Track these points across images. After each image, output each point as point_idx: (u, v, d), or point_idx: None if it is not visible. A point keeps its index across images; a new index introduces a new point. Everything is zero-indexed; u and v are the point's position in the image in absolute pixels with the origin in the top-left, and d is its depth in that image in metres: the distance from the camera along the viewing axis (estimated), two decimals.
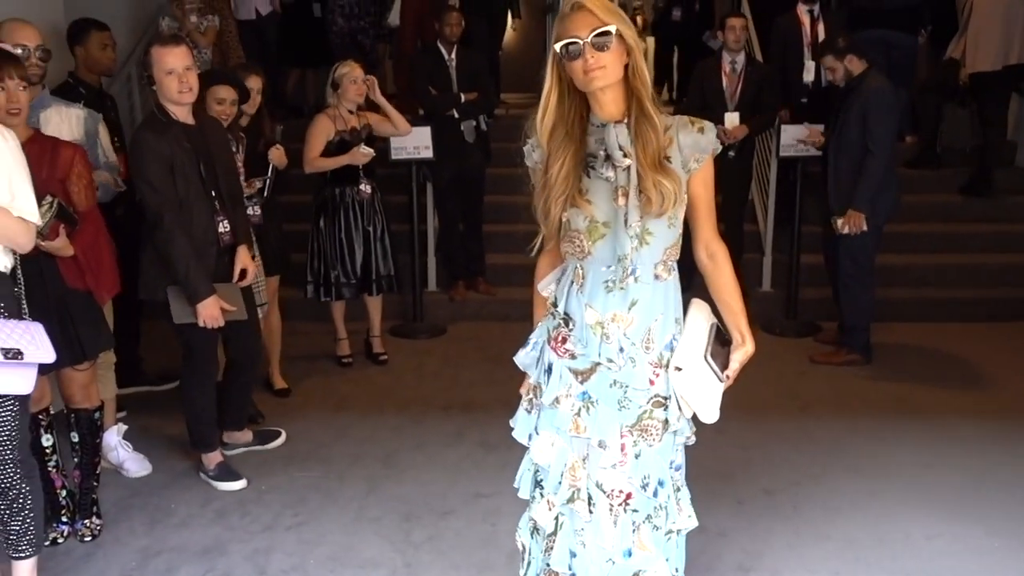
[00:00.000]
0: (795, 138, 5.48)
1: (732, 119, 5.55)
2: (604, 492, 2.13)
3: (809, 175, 5.65)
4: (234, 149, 3.99)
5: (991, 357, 5.17)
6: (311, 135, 4.71)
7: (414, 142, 5.40)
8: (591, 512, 2.14)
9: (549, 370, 2.18)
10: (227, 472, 3.67)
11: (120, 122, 4.48)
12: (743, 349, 2.13)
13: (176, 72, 3.28)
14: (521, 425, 2.27)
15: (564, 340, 2.15)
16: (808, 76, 6.00)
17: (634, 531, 2.16)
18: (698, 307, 2.18)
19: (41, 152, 3.05)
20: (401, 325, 5.66)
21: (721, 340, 2.13)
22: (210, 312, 3.36)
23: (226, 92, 3.88)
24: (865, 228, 4.74)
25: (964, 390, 4.70)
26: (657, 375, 2.11)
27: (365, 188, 4.81)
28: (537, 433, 2.21)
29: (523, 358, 2.28)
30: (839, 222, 4.80)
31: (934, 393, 4.65)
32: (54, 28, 4.41)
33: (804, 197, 5.63)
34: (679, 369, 2.07)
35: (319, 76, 7.16)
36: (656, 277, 2.08)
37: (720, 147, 2.13)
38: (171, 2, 6.07)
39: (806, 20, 6.06)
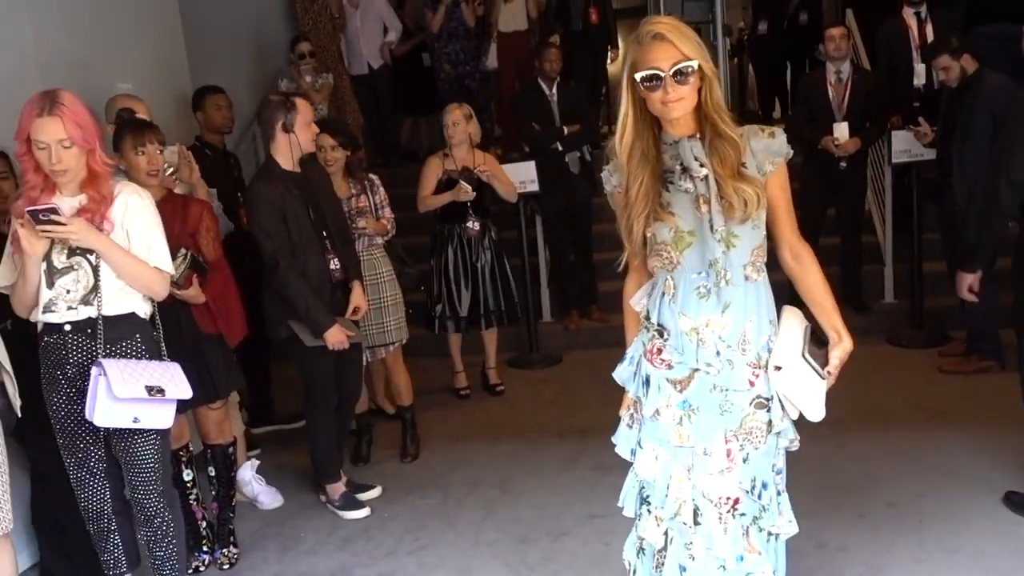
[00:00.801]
0: (907, 144, 5.33)
1: (841, 129, 5.45)
2: (711, 501, 2.14)
3: (926, 181, 5.47)
4: (354, 191, 4.25)
5: None
6: (423, 176, 4.94)
7: (521, 176, 5.54)
8: (697, 524, 2.15)
9: (647, 383, 2.21)
10: (351, 502, 3.85)
11: (243, 179, 4.81)
12: (841, 346, 2.14)
13: (312, 125, 3.63)
14: (623, 440, 2.30)
15: (660, 351, 2.18)
16: (919, 80, 5.81)
17: (744, 535, 2.16)
18: (790, 312, 2.21)
19: (173, 209, 3.35)
20: (518, 356, 5.78)
21: (817, 341, 2.16)
22: (336, 337, 3.58)
23: (325, 139, 4.12)
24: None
25: None
26: (757, 376, 2.14)
27: (472, 225, 4.97)
28: (640, 447, 2.23)
29: (621, 373, 2.31)
30: None
31: None
32: (183, 95, 4.82)
33: (922, 204, 5.45)
34: (779, 368, 2.10)
35: (431, 122, 7.47)
36: (746, 279, 2.11)
37: (791, 152, 2.15)
38: (289, 65, 6.50)
39: (912, 23, 5.90)
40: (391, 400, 4.81)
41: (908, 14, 5.92)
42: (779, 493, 2.24)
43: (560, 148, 5.71)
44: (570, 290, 5.99)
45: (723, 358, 2.12)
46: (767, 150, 2.10)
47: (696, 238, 2.09)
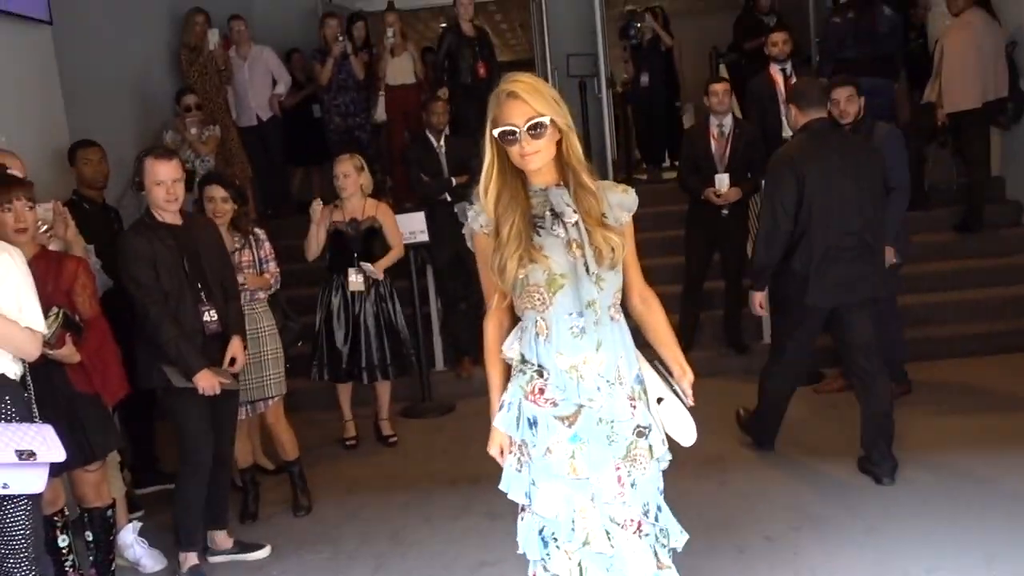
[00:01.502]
0: None
1: (722, 180, 5.71)
2: (619, 524, 2.28)
3: None
4: (238, 245, 4.21)
5: (996, 391, 5.20)
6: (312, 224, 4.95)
7: (410, 227, 5.61)
8: (613, 547, 2.27)
9: (534, 423, 2.28)
10: None
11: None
12: (687, 378, 2.34)
13: (165, 183, 3.52)
14: (515, 485, 2.34)
15: (542, 391, 2.27)
16: (787, 132, 6.15)
17: (653, 555, 2.33)
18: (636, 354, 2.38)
19: (47, 266, 3.27)
20: (411, 406, 5.78)
21: (667, 372, 2.36)
22: (207, 381, 3.52)
23: (216, 191, 4.11)
24: (896, 261, 4.81)
25: (966, 424, 4.72)
26: (634, 407, 2.30)
27: (356, 278, 4.96)
28: (536, 487, 2.28)
29: (502, 421, 2.34)
30: None
31: (934, 428, 4.68)
32: (61, 150, 4.71)
33: None
34: (661, 400, 2.29)
35: (322, 173, 7.49)
36: (611, 319, 2.28)
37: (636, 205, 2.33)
38: (175, 117, 6.43)
39: (779, 78, 6.26)
40: (271, 455, 4.73)
41: (775, 70, 6.28)
42: (662, 510, 2.40)
43: (449, 199, 5.81)
44: (462, 338, 6.04)
45: (604, 392, 2.25)
46: (621, 204, 2.28)
47: (568, 280, 2.21)
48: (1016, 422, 4.65)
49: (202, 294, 3.61)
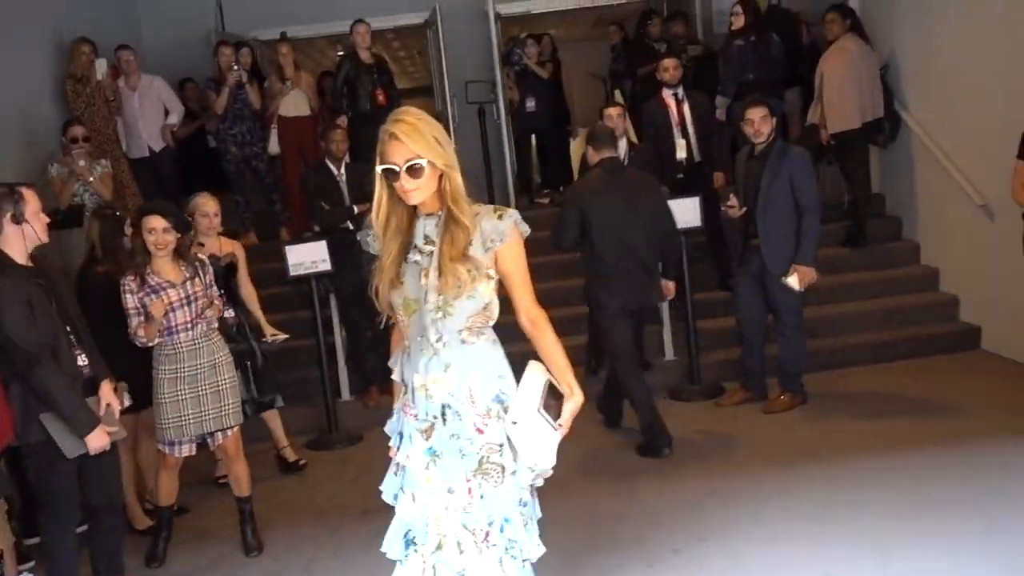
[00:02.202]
0: (680, 214, 5.75)
1: None
2: (469, 531, 2.40)
3: (694, 246, 5.98)
4: (187, 275, 4.00)
5: (886, 397, 5.43)
6: None
7: (312, 256, 5.55)
8: (461, 553, 2.39)
9: (402, 434, 2.50)
10: None
11: None
12: (573, 399, 2.42)
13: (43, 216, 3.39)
14: (388, 487, 2.54)
15: (408, 405, 2.47)
16: (681, 153, 6.37)
17: (500, 563, 2.42)
18: (533, 367, 2.45)
19: None
20: (317, 438, 5.69)
21: (555, 394, 2.41)
22: (100, 441, 3.36)
23: (157, 222, 3.92)
24: (814, 279, 5.11)
25: (861, 429, 4.91)
26: (487, 425, 2.40)
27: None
28: (403, 492, 2.47)
29: (388, 427, 2.58)
30: (790, 281, 5.08)
31: (831, 436, 4.85)
32: None
33: (692, 266, 5.90)
34: (515, 423, 2.34)
35: (220, 204, 7.32)
36: (463, 342, 2.40)
37: (527, 230, 2.44)
38: (61, 149, 6.20)
39: (672, 103, 6.46)
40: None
41: (667, 95, 6.48)
42: (526, 524, 2.47)
43: (351, 226, 5.77)
44: (369, 366, 5.98)
45: (452, 410, 2.39)
46: (494, 230, 2.38)
47: (419, 306, 2.38)
48: (905, 426, 4.87)
49: (71, 337, 3.45)
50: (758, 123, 5.11)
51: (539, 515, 2.56)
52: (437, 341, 2.37)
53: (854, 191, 6.99)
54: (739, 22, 6.90)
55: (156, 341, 3.92)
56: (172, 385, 3.93)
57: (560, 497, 3.78)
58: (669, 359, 6.22)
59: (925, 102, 6.66)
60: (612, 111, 6.02)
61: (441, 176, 2.34)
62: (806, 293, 5.34)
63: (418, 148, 2.28)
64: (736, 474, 4.45)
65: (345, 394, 6.07)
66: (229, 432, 4.10)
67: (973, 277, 6.22)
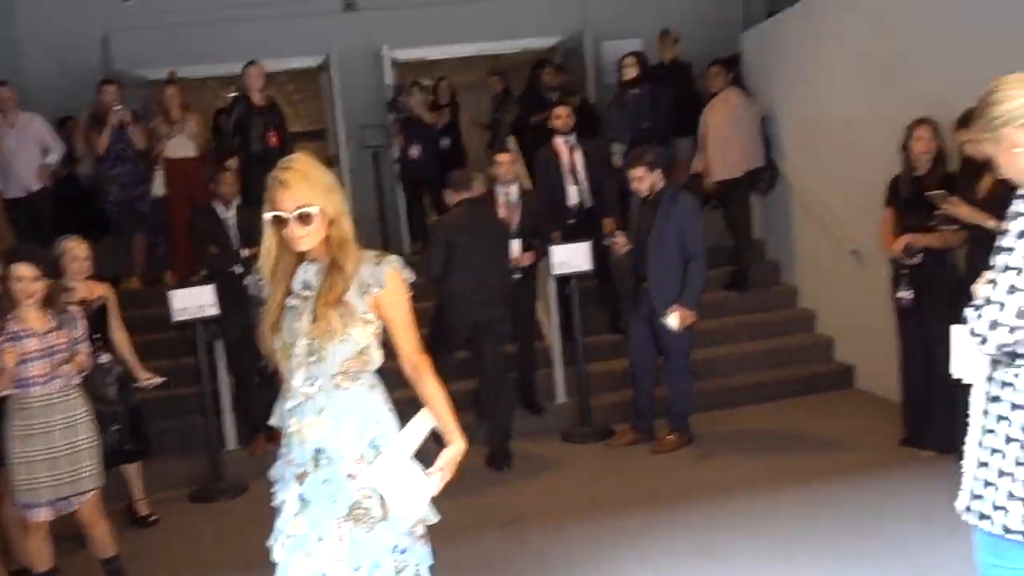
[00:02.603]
0: (566, 257, 5.87)
1: (514, 246, 5.90)
2: None
3: (584, 291, 6.10)
4: (53, 324, 3.79)
5: (767, 436, 5.62)
6: None
7: (198, 301, 5.40)
8: None
9: (280, 478, 2.50)
10: None
11: None
12: (453, 446, 2.43)
13: None
14: (272, 532, 2.50)
15: (286, 449, 2.47)
16: (572, 200, 6.50)
17: None
18: (422, 413, 2.45)
19: None
20: (200, 489, 5.48)
21: (438, 441, 2.41)
22: None
23: (25, 270, 3.72)
24: (693, 321, 5.26)
25: (743, 468, 5.05)
26: (360, 471, 2.38)
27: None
28: (276, 538, 2.47)
29: (270, 473, 2.56)
30: (670, 320, 5.20)
31: (716, 474, 4.98)
32: None
33: (582, 310, 6.00)
34: (380, 472, 2.34)
35: (100, 248, 7.06)
36: (337, 386, 2.39)
37: (410, 276, 2.47)
38: None
39: (564, 150, 6.60)
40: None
41: (560, 142, 6.61)
42: (400, 571, 2.43)
43: (239, 270, 5.65)
44: (256, 413, 5.82)
45: (325, 455, 2.39)
46: (372, 275, 2.39)
47: (294, 350, 2.39)
48: (786, 463, 5.04)
49: None
50: (635, 183, 5.37)
51: (430, 561, 2.52)
52: (311, 385, 2.37)
53: (737, 237, 7.26)
54: (631, 73, 7.13)
55: (5, 393, 3.68)
56: (24, 443, 3.67)
57: (448, 540, 3.74)
58: (561, 402, 6.28)
59: (801, 153, 7.00)
60: (503, 157, 6.11)
61: (330, 223, 2.35)
62: (693, 336, 5.50)
63: (309, 195, 2.29)
64: (625, 514, 4.51)
65: (231, 443, 5.88)
66: (87, 496, 3.86)
67: (846, 319, 6.52)
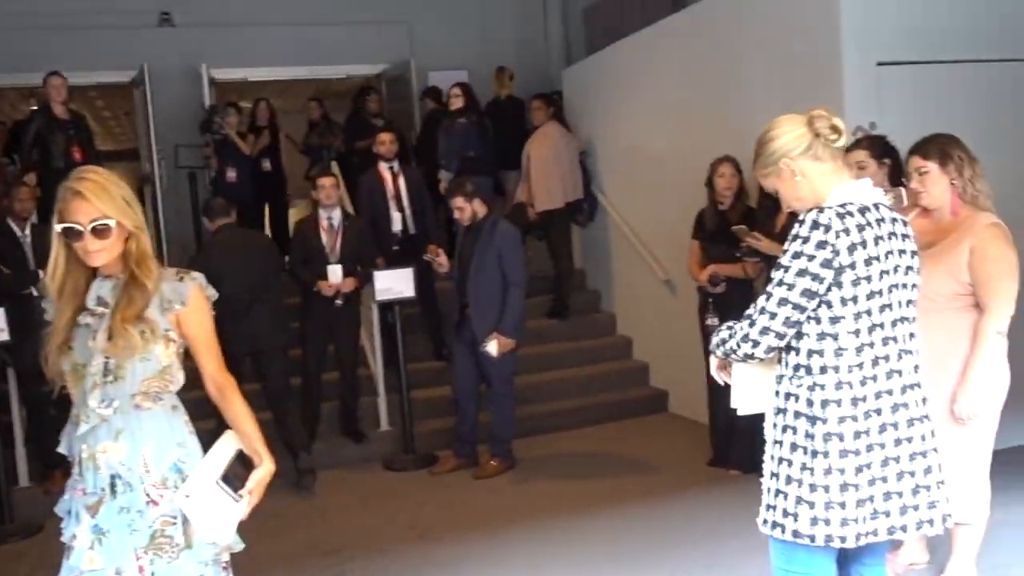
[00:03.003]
0: (389, 283, 5.82)
1: (335, 271, 5.80)
2: None
3: (407, 317, 6.08)
4: None
5: (586, 459, 5.76)
6: None
7: None
8: None
9: (69, 512, 2.34)
10: None
11: None
12: (262, 468, 2.34)
13: None
14: (63, 573, 2.32)
15: (76, 479, 2.31)
16: (396, 226, 6.47)
17: None
18: (226, 436, 2.36)
19: None
20: None
21: (246, 464, 2.32)
22: None
23: None
24: (512, 347, 5.30)
25: (563, 491, 5.15)
26: (161, 496, 2.28)
27: None
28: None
29: (58, 508, 2.39)
30: (488, 347, 5.22)
31: (537, 499, 5.04)
32: None
33: (405, 336, 5.97)
34: (187, 496, 2.24)
35: None
36: (137, 407, 2.28)
37: (213, 295, 2.40)
38: None
39: (387, 176, 6.57)
40: None
41: (383, 168, 6.59)
42: None
43: (35, 293, 5.25)
44: (51, 447, 5.38)
45: (123, 482, 2.26)
46: (174, 291, 2.31)
47: (88, 370, 2.25)
48: (605, 485, 5.18)
49: None
50: (456, 211, 5.46)
51: None
52: (107, 407, 2.24)
53: (558, 266, 7.46)
54: (458, 103, 7.23)
55: None
56: None
57: (265, 573, 3.61)
58: (384, 429, 6.20)
59: (618, 186, 7.31)
60: (325, 181, 6.01)
61: (128, 238, 2.25)
62: (516, 362, 5.59)
63: (105, 208, 2.19)
64: (448, 541, 4.49)
65: (23, 480, 5.42)
66: None
67: (661, 346, 6.82)
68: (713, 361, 2.49)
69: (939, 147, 3.24)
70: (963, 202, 3.23)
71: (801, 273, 2.16)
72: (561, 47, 9.25)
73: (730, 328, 2.33)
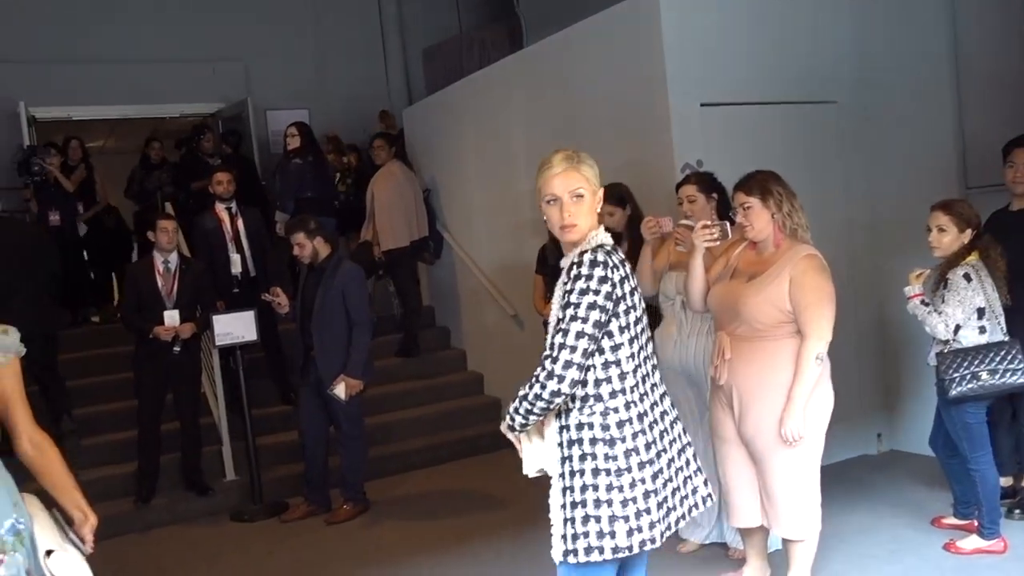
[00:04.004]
0: (229, 327, 5.64)
1: (172, 317, 5.55)
2: None
3: (250, 361, 5.91)
4: None
5: (438, 497, 5.73)
6: None
7: None
8: None
9: None
10: None
11: None
12: (89, 523, 2.32)
13: None
14: None
15: None
16: (236, 268, 6.29)
17: None
18: (29, 500, 2.30)
19: None
20: None
21: (67, 520, 2.32)
22: None
23: None
24: (360, 388, 5.23)
25: (416, 531, 5.09)
26: (1, 560, 2.16)
27: None
28: None
29: None
30: (337, 391, 5.15)
31: (390, 541, 4.97)
32: None
33: (249, 381, 5.79)
34: (50, 552, 2.21)
35: None
36: None
37: (24, 350, 2.32)
38: None
39: (225, 217, 6.39)
40: None
41: (221, 209, 6.40)
42: None
43: None
44: None
45: None
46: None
47: None
48: (456, 522, 5.16)
49: None
50: (297, 248, 5.37)
51: None
52: None
53: (406, 304, 7.45)
54: (295, 142, 7.12)
55: None
56: None
57: None
58: (230, 479, 5.96)
59: (461, 224, 7.39)
60: (167, 223, 5.77)
61: None
62: (365, 403, 5.52)
63: None
64: None
65: None
66: None
67: (510, 380, 6.82)
68: (510, 435, 2.60)
69: (760, 183, 3.46)
70: (784, 234, 3.46)
71: (591, 307, 2.33)
72: (402, 86, 9.32)
73: (522, 396, 2.40)
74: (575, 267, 2.37)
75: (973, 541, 3.99)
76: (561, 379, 2.32)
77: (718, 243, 3.53)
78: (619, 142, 5.22)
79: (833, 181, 5.30)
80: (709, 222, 3.60)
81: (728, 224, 3.56)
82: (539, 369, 2.36)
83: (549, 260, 5.28)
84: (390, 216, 7.22)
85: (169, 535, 5.33)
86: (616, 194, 4.63)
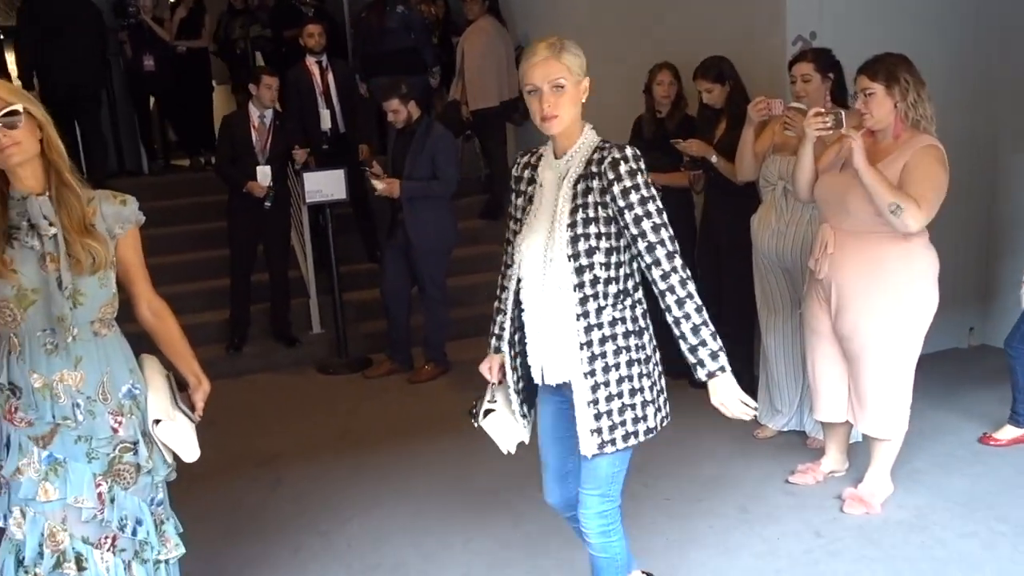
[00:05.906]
0: (319, 185, 5.67)
1: (264, 172, 5.59)
2: (92, 545, 2.24)
3: (339, 217, 5.95)
4: None
5: None
6: None
7: None
8: (84, 570, 2.22)
9: (8, 444, 2.23)
10: None
11: None
12: (202, 389, 2.40)
13: None
14: (6, 506, 2.25)
15: (16, 410, 2.20)
16: (325, 124, 6.24)
17: (126, 570, 2.30)
18: (149, 363, 2.37)
19: None
20: None
21: (180, 385, 2.38)
22: None
23: None
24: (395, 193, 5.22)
25: None
26: (120, 422, 2.25)
27: None
28: (11, 512, 2.23)
29: None
30: (376, 185, 5.24)
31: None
32: None
33: (337, 238, 5.85)
34: (158, 421, 2.27)
35: None
36: (96, 334, 2.23)
37: (143, 218, 2.31)
38: None
39: (316, 71, 6.32)
40: None
41: (311, 62, 6.32)
42: (162, 523, 2.40)
43: None
44: None
45: (83, 409, 2.19)
46: (117, 216, 2.23)
47: (41, 296, 2.13)
48: None
49: None
50: (391, 114, 5.27)
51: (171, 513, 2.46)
52: (67, 334, 2.16)
53: (492, 166, 7.35)
54: None
55: None
56: None
57: (198, 490, 3.60)
58: (316, 332, 6.15)
59: None
60: (271, 81, 5.70)
61: (41, 140, 2.09)
62: (448, 264, 5.54)
63: (11, 96, 2.04)
64: (383, 448, 4.51)
65: None
66: None
67: None
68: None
69: (887, 68, 3.22)
70: (905, 125, 3.24)
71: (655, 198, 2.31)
72: None
73: (697, 309, 2.29)
74: (621, 163, 2.29)
75: (1008, 431, 4.05)
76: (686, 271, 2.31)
77: (831, 132, 3.33)
78: (722, 9, 4.91)
79: (966, 68, 4.93)
80: (823, 109, 3.38)
81: (843, 112, 3.34)
82: (674, 275, 2.26)
83: (644, 133, 5.10)
84: (480, 74, 7.03)
85: (260, 382, 5.55)
86: (714, 71, 4.40)
